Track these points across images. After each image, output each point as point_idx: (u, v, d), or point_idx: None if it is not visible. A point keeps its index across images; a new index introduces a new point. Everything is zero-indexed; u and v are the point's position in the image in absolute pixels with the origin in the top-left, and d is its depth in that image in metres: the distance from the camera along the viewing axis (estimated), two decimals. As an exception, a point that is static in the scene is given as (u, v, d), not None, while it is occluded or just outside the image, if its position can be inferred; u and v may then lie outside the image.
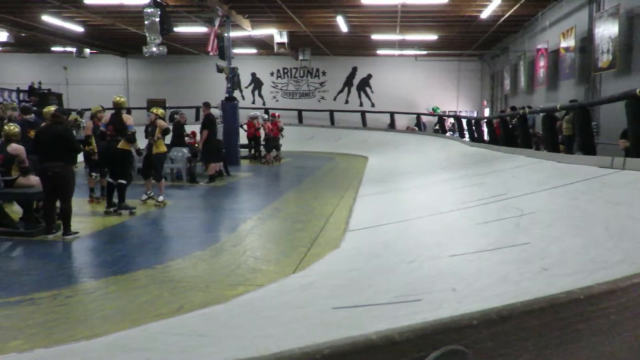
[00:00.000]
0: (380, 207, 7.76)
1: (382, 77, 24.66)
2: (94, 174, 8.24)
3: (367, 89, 25.05)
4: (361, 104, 24.86)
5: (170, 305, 3.97)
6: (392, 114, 22.39)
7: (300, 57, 22.07)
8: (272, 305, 4.03)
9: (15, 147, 6.48)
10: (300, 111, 23.78)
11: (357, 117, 23.07)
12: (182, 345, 3.10)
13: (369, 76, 24.94)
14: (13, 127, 6.72)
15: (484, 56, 23.43)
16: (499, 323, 1.39)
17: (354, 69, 24.97)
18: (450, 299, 2.83)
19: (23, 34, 18.68)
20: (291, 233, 6.71)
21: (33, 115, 8.58)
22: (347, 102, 25.02)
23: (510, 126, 11.14)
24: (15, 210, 6.99)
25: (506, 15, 15.06)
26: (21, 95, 21.31)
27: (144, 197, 8.36)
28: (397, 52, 21.91)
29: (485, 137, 13.79)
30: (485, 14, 14.76)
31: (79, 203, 8.12)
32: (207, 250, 5.77)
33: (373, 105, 24.67)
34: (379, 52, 22.70)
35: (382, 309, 3.20)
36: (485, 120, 14.63)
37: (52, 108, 7.75)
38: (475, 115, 22.32)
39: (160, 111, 8.55)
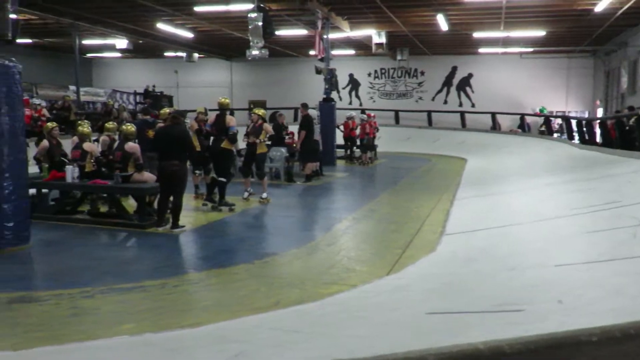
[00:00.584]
0: (479, 210, 7.47)
1: (483, 76, 23.73)
2: (197, 171, 8.71)
3: (468, 88, 24.23)
4: (461, 104, 24.11)
5: (267, 300, 4.10)
6: (493, 114, 21.49)
7: (399, 57, 21.83)
8: (365, 306, 4.02)
9: (131, 146, 7.03)
10: (397, 112, 23.54)
11: (456, 117, 22.40)
12: (276, 339, 3.19)
13: (470, 75, 24.11)
14: (130, 127, 7.29)
15: (597, 52, 21.74)
16: (623, 341, 1.27)
17: (454, 68, 24.27)
18: (556, 311, 2.66)
19: (140, 41, 20.21)
20: (386, 234, 6.66)
21: (150, 116, 9.24)
22: (445, 102, 24.39)
23: (627, 128, 10.24)
24: (130, 204, 7.58)
25: (625, 8, 13.86)
26: (137, 97, 23.13)
27: (245, 194, 8.71)
28: (500, 49, 20.97)
29: (598, 139, 12.80)
30: (600, 7, 13.68)
31: (184, 199, 8.64)
32: (302, 248, 5.89)
33: (473, 105, 23.82)
34: (481, 50, 21.87)
35: (479, 317, 3.08)
36: (598, 121, 13.57)
37: (168, 110, 8.34)
38: (586, 115, 20.77)
39: (261, 111, 8.91)
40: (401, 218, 7.65)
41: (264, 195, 8.73)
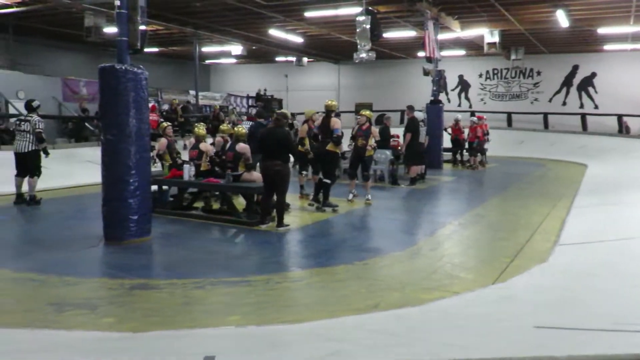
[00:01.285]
0: (599, 221, 6.90)
1: (609, 76, 21.80)
2: (304, 172, 8.92)
3: (590, 89, 22.41)
4: (582, 106, 22.35)
5: (366, 302, 4.10)
6: (620, 116, 19.68)
7: (513, 57, 20.77)
8: (468, 314, 3.88)
9: (242, 146, 7.39)
10: (509, 114, 22.42)
11: (576, 120, 20.84)
12: (373, 341, 3.19)
13: (593, 75, 22.28)
14: (241, 129, 7.66)
15: None
16: None
17: (575, 67, 22.57)
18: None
19: (254, 47, 21.19)
20: (493, 242, 6.38)
21: (263, 119, 9.61)
22: (564, 103, 22.76)
23: None
24: (240, 202, 7.96)
25: None
26: (250, 100, 24.25)
27: (350, 196, 8.78)
28: (629, 46, 19.15)
29: None
30: None
31: (291, 198, 8.91)
32: (404, 251, 5.82)
33: (596, 107, 21.97)
34: (606, 47, 20.11)
35: (595, 335, 2.85)
36: None
37: (286, 112, 8.63)
38: None
39: (368, 112, 8.96)
40: (510, 225, 7.28)
41: (369, 197, 8.78)
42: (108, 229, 5.95)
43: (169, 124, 8.87)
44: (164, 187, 8.19)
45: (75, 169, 11.63)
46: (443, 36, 16.23)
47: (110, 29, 15.74)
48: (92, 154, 12.67)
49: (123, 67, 5.78)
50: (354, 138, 8.74)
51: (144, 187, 6.06)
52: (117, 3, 5.72)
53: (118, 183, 5.84)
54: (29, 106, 8.55)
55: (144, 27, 5.90)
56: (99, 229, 6.28)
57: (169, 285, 4.50)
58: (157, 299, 4.20)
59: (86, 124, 15.06)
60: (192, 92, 21.02)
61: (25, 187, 8.38)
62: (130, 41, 5.83)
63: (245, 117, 12.05)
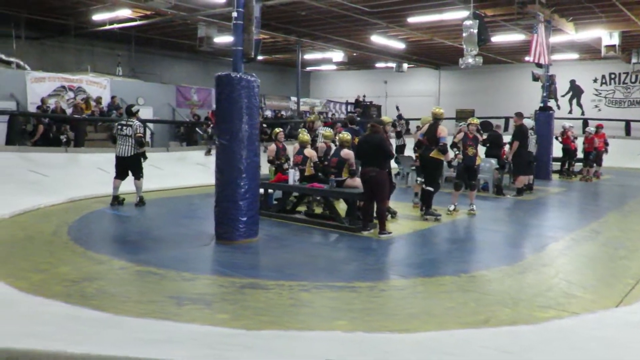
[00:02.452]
0: None
1: None
2: (419, 179, 8.77)
3: None
4: None
5: (476, 316, 3.96)
6: None
7: (634, 60, 19.15)
8: (588, 338, 3.63)
9: (346, 152, 7.47)
10: (628, 122, 20.69)
11: None
12: (486, 357, 3.07)
13: None
14: (346, 135, 7.74)
15: None
16: None
17: None
18: None
19: (354, 54, 21.38)
20: (613, 260, 5.91)
21: (356, 125, 9.65)
22: (693, 111, 20.61)
23: None
24: (342, 207, 8.03)
25: None
26: (348, 107, 24.46)
27: (452, 207, 8.54)
28: None
29: None
30: None
31: (404, 206, 8.86)
32: (513, 265, 5.55)
33: None
34: None
35: None
36: None
37: (388, 119, 8.63)
38: None
39: (475, 120, 8.72)
40: (631, 243, 6.71)
41: (473, 207, 8.53)
42: (219, 229, 6.26)
43: (281, 129, 9.12)
44: (269, 190, 8.47)
45: (186, 170, 12.37)
46: (555, 39, 15.34)
47: (221, 39, 16.65)
48: (202, 157, 13.45)
49: (238, 75, 6.06)
50: (454, 146, 8.51)
51: (253, 190, 6.31)
52: (234, 15, 6.02)
53: (230, 185, 6.13)
54: (129, 111, 8.82)
55: (258, 36, 6.15)
56: (209, 228, 6.63)
57: (276, 286, 4.63)
58: (265, 298, 4.34)
59: (197, 128, 15.98)
60: (293, 99, 21.61)
61: (122, 189, 8.74)
62: (245, 50, 6.11)
63: (322, 123, 12.20)
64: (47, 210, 8.02)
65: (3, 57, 15.73)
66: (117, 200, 8.68)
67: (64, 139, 12.41)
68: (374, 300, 4.40)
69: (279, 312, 4.01)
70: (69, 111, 14.13)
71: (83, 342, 2.65)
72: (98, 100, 15.06)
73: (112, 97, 15.55)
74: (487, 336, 3.54)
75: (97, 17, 15.65)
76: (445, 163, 8.23)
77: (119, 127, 8.57)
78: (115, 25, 16.37)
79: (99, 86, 15.78)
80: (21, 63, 16.13)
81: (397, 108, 14.86)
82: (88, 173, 10.28)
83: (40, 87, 14.25)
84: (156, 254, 5.71)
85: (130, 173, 8.64)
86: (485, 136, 11.02)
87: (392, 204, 8.06)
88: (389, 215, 7.70)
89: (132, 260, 5.43)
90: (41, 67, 16.68)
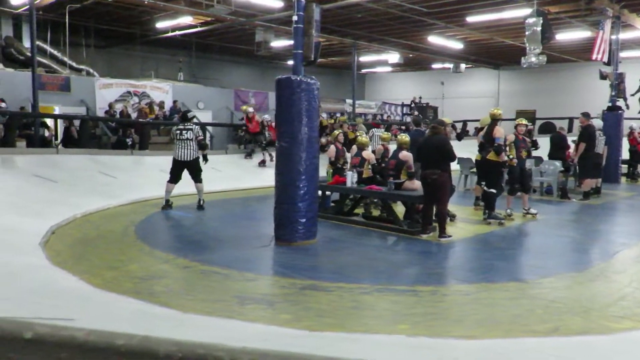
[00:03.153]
0: None
1: None
2: (482, 183, 8.57)
3: None
4: None
5: (544, 324, 3.81)
6: None
7: None
8: (671, 351, 3.41)
9: (405, 154, 7.39)
10: None
11: None
12: (559, 368, 2.95)
13: None
14: (404, 137, 7.67)
15: None
16: None
17: None
18: None
19: (410, 55, 21.17)
20: (695, 270, 5.55)
21: (422, 126, 9.53)
22: None
23: None
24: (400, 210, 7.95)
25: None
26: (404, 109, 24.23)
27: (508, 211, 8.23)
28: None
29: None
30: None
31: (463, 209, 8.69)
32: (582, 272, 5.32)
33: None
34: None
35: None
36: None
37: (448, 120, 8.47)
38: None
39: (524, 121, 8.47)
40: None
41: (532, 210, 8.26)
42: (279, 230, 6.35)
43: (340, 131, 9.14)
44: (327, 192, 8.51)
45: (244, 173, 12.62)
46: (624, 35, 14.61)
47: (277, 43, 16.90)
48: (260, 159, 13.65)
49: (298, 78, 6.13)
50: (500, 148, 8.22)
51: (312, 192, 6.36)
52: (295, 18, 6.10)
53: (289, 187, 6.20)
54: (185, 117, 8.87)
55: (318, 39, 6.20)
56: (268, 230, 6.73)
57: (337, 289, 4.64)
58: (327, 300, 4.35)
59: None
60: (349, 101, 21.62)
61: (181, 191, 8.93)
62: (305, 53, 6.17)
63: (348, 125, 12.20)
64: (115, 211, 8.38)
65: (74, 64, 16.62)
66: (168, 204, 8.58)
67: (130, 142, 12.95)
68: (436, 305, 4.33)
69: (341, 315, 4.01)
70: (134, 115, 14.75)
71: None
72: (161, 105, 15.63)
73: (174, 102, 16.10)
74: (558, 345, 3.40)
75: (160, 24, 16.26)
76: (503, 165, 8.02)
77: (178, 131, 8.53)
78: (177, 32, 16.95)
79: (161, 91, 16.38)
80: (90, 70, 16.99)
81: (416, 112, 14.17)
82: (152, 175, 10.66)
83: (107, 92, 14.95)
84: (219, 254, 5.85)
85: (190, 176, 8.63)
86: (534, 138, 10.64)
87: (451, 207, 7.91)
88: (448, 219, 7.56)
89: (196, 259, 5.59)
90: (109, 73, 17.51)
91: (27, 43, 14.97)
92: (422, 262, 5.85)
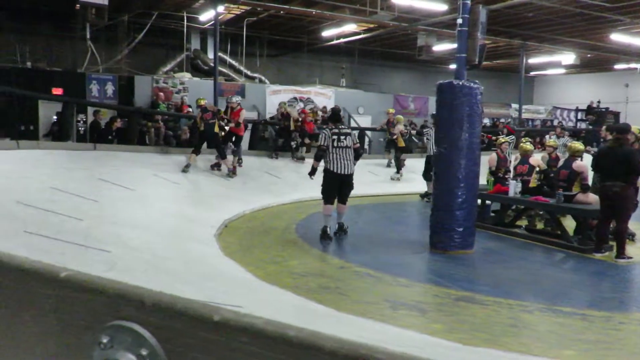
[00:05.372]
0: None
1: None
2: None
3: None
4: None
5: None
6: None
7: None
8: None
9: (579, 164, 6.75)
10: None
11: None
12: None
13: None
14: (577, 145, 7.00)
15: None
16: None
17: None
18: None
19: (588, 55, 19.25)
20: None
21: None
22: None
23: None
24: (567, 225, 7.28)
25: None
26: (578, 114, 22.11)
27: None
28: None
29: None
30: None
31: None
32: None
33: None
34: None
35: None
36: None
37: (636, 128, 7.53)
38: None
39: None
40: None
41: None
42: (434, 237, 6.23)
43: (506, 139, 8.59)
44: (487, 201, 8.12)
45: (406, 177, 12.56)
46: None
47: (440, 47, 16.61)
48: (416, 165, 13.53)
49: (459, 83, 5.96)
50: None
51: (471, 200, 6.13)
52: (459, 21, 5.94)
53: (447, 194, 6.05)
54: (337, 116, 6.88)
55: (483, 41, 5.96)
56: (421, 236, 6.64)
57: (494, 303, 4.41)
58: (482, 314, 4.16)
59: (413, 137, 16.17)
60: (514, 106, 20.40)
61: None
62: (469, 57, 5.98)
63: (404, 122, 11.12)
64: (279, 209, 8.96)
65: (249, 73, 18.14)
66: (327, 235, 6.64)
67: (294, 145, 13.74)
68: (610, 333, 3.89)
69: (497, 331, 3.81)
70: (298, 120, 15.61)
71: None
72: (323, 110, 16.33)
73: (335, 106, 16.70)
74: None
75: (326, 33, 17.02)
76: None
77: (335, 136, 6.48)
78: (342, 40, 17.57)
79: (324, 97, 17.11)
80: (262, 78, 18.40)
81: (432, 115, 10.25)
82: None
83: (276, 98, 16.04)
84: (373, 257, 5.92)
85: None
86: None
87: (633, 224, 7.02)
88: (628, 238, 6.72)
89: (351, 260, 5.73)
90: (278, 80, 18.79)
91: (210, 54, 16.72)
92: (595, 284, 5.29)
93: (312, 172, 6.90)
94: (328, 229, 6.59)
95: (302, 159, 11.74)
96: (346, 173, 6.55)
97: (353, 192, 6.86)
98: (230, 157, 10.00)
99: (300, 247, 6.34)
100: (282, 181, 10.63)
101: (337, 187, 6.60)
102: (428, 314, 4.19)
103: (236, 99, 10.49)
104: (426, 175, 10.03)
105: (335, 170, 6.50)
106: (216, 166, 10.04)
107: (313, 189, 10.26)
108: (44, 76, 13.61)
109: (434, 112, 9.81)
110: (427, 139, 10.60)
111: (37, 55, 14.82)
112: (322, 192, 6.66)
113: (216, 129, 9.74)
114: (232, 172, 9.92)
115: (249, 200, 8.69)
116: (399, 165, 12.16)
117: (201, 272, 4.57)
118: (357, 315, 3.93)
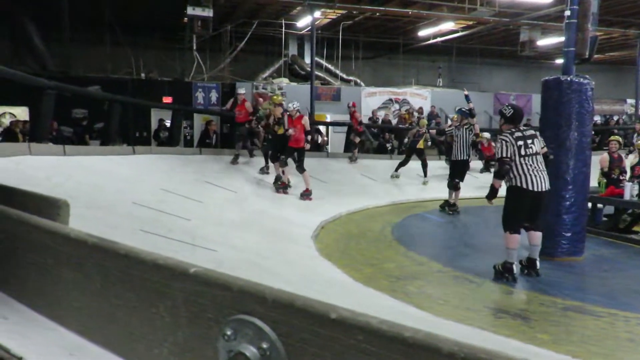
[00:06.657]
0: None
1: None
2: None
3: None
4: None
5: None
6: None
7: None
8: None
9: None
10: None
11: None
12: None
13: None
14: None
15: None
16: None
17: None
18: None
19: None
20: None
21: None
22: None
23: None
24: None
25: None
26: None
27: None
28: None
29: None
30: None
31: None
32: None
33: None
34: None
35: None
36: None
37: None
38: None
39: None
40: None
41: None
42: (539, 243, 5.90)
43: (617, 138, 7.95)
44: (599, 205, 7.57)
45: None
46: None
47: (545, 42, 15.74)
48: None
49: (567, 79, 5.62)
50: None
51: (580, 204, 5.76)
52: (567, 13, 5.60)
53: (554, 197, 5.71)
54: (519, 116, 5.16)
55: (594, 33, 5.57)
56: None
57: (608, 315, 4.10)
58: (594, 326, 3.89)
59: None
60: (630, 101, 18.80)
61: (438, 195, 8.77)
62: (578, 51, 5.62)
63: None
64: (375, 211, 8.96)
65: (344, 76, 18.32)
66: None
67: (389, 147, 13.67)
68: None
69: (612, 345, 3.55)
70: (394, 122, 15.52)
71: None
72: (419, 111, 16.08)
73: (431, 107, 16.38)
74: None
75: (422, 32, 16.77)
76: None
77: (521, 142, 4.94)
78: (438, 39, 17.21)
79: (420, 97, 16.86)
80: (358, 81, 18.50)
81: (466, 97, 9.32)
82: (409, 179, 11.06)
83: (372, 100, 16.08)
84: (472, 262, 5.74)
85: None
86: None
87: None
88: None
89: (449, 264, 5.60)
90: (373, 83, 18.79)
91: (307, 59, 17.10)
92: None
93: (493, 195, 5.25)
94: (514, 267, 5.05)
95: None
96: (542, 190, 4.96)
97: (437, 194, 6.59)
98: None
99: (396, 250, 6.30)
100: (378, 183, 10.63)
101: (528, 209, 5.05)
102: (532, 323, 3.98)
103: (293, 105, 8.65)
104: (451, 182, 8.85)
105: (527, 187, 4.93)
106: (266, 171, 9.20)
107: (410, 192, 10.18)
108: (155, 86, 14.69)
109: (460, 108, 9.18)
110: (453, 140, 8.90)
111: (150, 66, 16.01)
112: (506, 219, 5.14)
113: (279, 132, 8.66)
114: (280, 185, 8.64)
115: (344, 203, 8.77)
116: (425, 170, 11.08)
117: (299, 272, 4.70)
118: (456, 321, 3.84)
